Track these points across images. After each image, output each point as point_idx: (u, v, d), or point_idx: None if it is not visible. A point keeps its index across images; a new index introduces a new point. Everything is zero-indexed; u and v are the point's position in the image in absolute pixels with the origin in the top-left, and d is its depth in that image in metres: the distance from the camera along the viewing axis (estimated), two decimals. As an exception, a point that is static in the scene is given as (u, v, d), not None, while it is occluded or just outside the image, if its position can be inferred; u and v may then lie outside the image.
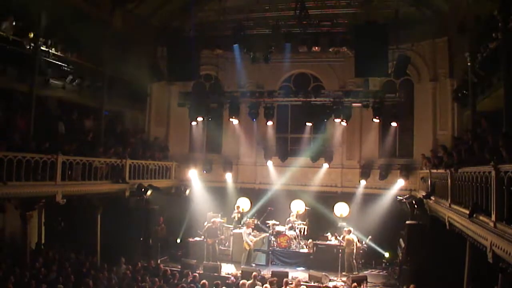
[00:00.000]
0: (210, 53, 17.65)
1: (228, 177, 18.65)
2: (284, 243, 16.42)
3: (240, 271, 13.70)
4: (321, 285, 13.01)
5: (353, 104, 16.34)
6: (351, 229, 15.22)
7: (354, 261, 14.66)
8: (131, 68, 15.97)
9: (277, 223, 17.03)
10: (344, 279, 13.73)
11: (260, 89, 17.64)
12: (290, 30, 15.66)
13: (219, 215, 17.20)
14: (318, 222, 17.06)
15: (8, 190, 10.05)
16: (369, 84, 16.70)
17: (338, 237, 15.39)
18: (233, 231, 16.63)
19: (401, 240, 14.19)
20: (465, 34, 12.85)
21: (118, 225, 14.57)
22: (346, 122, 16.72)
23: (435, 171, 12.28)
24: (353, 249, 14.71)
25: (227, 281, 12.67)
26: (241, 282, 11.72)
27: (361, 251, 15.38)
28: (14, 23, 11.95)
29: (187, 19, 16.86)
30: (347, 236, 14.87)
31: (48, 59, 13.12)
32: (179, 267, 14.27)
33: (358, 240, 15.29)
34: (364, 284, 12.95)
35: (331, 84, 17.88)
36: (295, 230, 16.70)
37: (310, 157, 17.89)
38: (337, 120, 16.47)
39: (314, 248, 15.88)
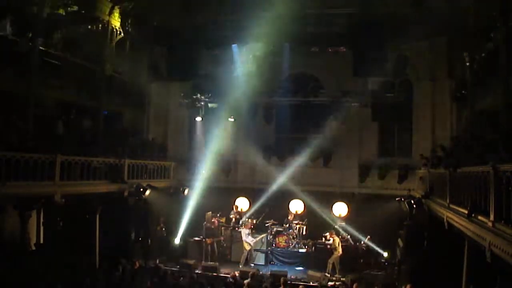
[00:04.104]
0: (210, 53, 17.64)
1: (227, 177, 18.62)
2: (283, 243, 16.43)
3: (239, 271, 13.70)
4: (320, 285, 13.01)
5: (352, 104, 16.35)
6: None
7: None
8: (130, 67, 15.95)
9: (276, 223, 17.05)
10: (343, 279, 13.73)
11: (259, 89, 17.61)
12: (289, 30, 15.64)
13: (218, 215, 17.20)
14: (317, 222, 17.05)
15: (6, 190, 10.02)
16: (368, 84, 16.70)
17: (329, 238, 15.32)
18: (232, 231, 16.63)
19: (399, 240, 14.19)
20: (464, 34, 12.87)
21: (116, 225, 14.55)
22: (344, 122, 16.73)
23: (433, 171, 12.29)
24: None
25: (226, 281, 12.66)
26: (245, 282, 11.75)
27: (360, 251, 15.42)
28: (13, 23, 11.95)
29: (187, 18, 16.84)
30: (335, 237, 14.84)
31: (46, 59, 13.10)
32: (178, 267, 14.27)
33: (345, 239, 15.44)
34: (362, 284, 12.95)
35: (330, 84, 17.87)
36: (294, 230, 16.70)
37: (309, 157, 17.89)
38: (336, 120, 16.46)
39: (313, 248, 15.89)
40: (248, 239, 15.46)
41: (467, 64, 12.21)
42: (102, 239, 14.00)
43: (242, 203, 18.07)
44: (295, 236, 16.56)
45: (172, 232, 16.68)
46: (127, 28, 16.35)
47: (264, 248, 16.11)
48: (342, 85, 17.27)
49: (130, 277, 12.13)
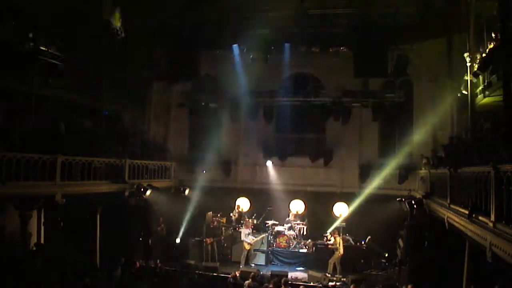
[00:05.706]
0: (210, 53, 17.64)
1: (228, 177, 18.64)
2: (283, 243, 16.42)
3: (240, 271, 13.70)
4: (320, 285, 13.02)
5: (353, 104, 16.35)
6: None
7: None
8: (130, 68, 15.95)
9: (277, 223, 17.05)
10: (344, 279, 13.73)
11: (260, 89, 17.63)
12: (289, 30, 15.67)
13: (219, 215, 17.20)
14: (318, 222, 17.06)
15: (7, 190, 10.02)
16: (368, 84, 16.70)
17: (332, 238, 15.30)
18: (233, 231, 16.63)
19: (400, 240, 14.20)
20: (465, 34, 12.87)
21: (117, 225, 14.55)
22: (345, 122, 16.73)
23: (434, 171, 12.29)
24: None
25: (226, 282, 12.66)
26: (245, 282, 11.76)
27: (361, 252, 15.42)
28: (13, 23, 11.94)
29: (187, 18, 16.85)
30: (337, 237, 14.85)
31: (47, 59, 13.09)
32: (179, 267, 14.27)
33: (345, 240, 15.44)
34: (363, 285, 12.95)
35: (331, 84, 17.86)
36: (294, 230, 16.70)
37: (309, 157, 17.88)
38: (337, 120, 16.44)
39: (314, 248, 15.89)
40: (247, 239, 15.45)
41: (468, 64, 12.19)
42: (102, 239, 14.01)
43: (242, 203, 18.07)
44: (295, 236, 16.56)
45: (173, 232, 16.70)
46: (127, 28, 16.35)
47: (264, 248, 16.11)
48: (343, 85, 17.26)
49: (131, 277, 12.15)
